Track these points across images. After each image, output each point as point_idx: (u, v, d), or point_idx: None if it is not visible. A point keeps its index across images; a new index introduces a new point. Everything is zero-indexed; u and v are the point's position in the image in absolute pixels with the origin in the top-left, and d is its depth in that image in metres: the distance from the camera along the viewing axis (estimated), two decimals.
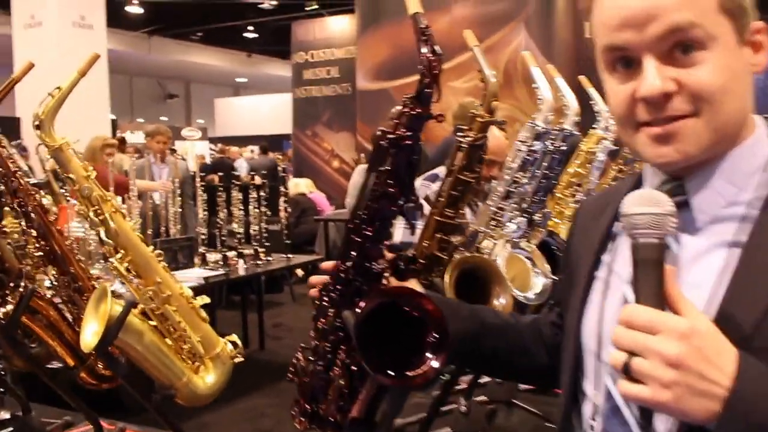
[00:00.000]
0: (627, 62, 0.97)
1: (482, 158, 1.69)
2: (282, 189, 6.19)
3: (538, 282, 2.21)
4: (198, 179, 5.30)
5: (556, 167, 2.45)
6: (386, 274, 1.20)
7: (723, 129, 0.95)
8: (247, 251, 5.20)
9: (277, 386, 5.06)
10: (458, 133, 6.29)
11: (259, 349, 6.14)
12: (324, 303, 1.24)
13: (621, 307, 0.93)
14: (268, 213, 5.61)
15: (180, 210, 5.17)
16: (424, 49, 1.09)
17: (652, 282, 0.84)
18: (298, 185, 9.09)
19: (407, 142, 1.10)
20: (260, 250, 5.29)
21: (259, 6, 16.72)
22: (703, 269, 0.96)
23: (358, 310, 1.04)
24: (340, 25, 10.63)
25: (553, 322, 1.31)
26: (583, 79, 3.03)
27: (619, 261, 1.07)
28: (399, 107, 1.11)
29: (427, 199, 3.24)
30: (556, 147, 2.43)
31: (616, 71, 0.99)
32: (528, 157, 2.34)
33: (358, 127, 9.31)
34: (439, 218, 1.73)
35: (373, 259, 1.17)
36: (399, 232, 3.21)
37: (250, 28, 19.68)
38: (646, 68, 0.94)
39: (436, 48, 1.08)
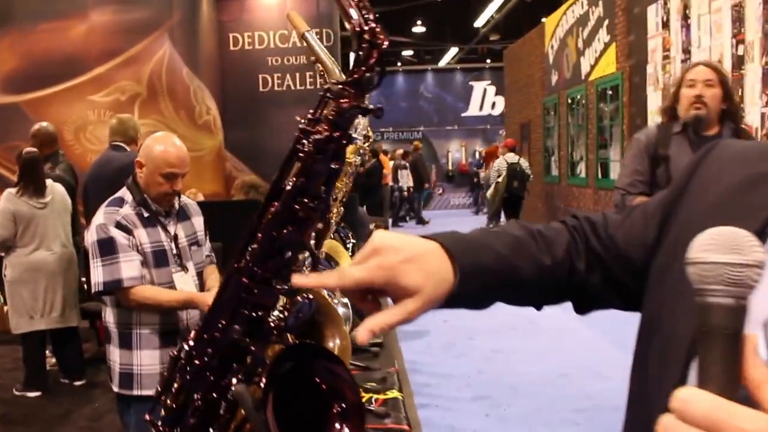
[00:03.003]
0: None
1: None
2: None
3: (339, 311, 2.06)
4: None
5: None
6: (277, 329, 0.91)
7: None
8: None
9: None
10: (114, 148, 5.72)
11: None
12: (179, 373, 0.91)
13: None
14: None
15: None
16: (354, 14, 0.80)
17: (723, 358, 0.59)
18: None
19: (336, 145, 0.81)
20: None
21: None
22: None
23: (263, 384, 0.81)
24: None
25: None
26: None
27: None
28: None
29: (119, 225, 2.86)
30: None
31: None
32: None
33: None
34: None
35: (265, 310, 0.87)
36: (101, 271, 2.80)
37: None
38: None
39: (370, 10, 0.79)
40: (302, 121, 0.81)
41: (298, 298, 0.90)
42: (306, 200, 0.81)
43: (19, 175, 5.20)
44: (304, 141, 0.79)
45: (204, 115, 8.38)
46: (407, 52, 24.24)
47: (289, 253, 0.84)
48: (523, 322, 7.51)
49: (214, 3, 8.68)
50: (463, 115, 25.57)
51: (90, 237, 2.87)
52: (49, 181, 5.30)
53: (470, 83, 25.73)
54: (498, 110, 24.26)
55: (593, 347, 6.57)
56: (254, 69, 8.73)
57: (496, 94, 24.53)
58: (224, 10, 8.75)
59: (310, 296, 0.96)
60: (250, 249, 0.85)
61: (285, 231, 0.82)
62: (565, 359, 6.21)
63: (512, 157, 13.01)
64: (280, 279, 0.85)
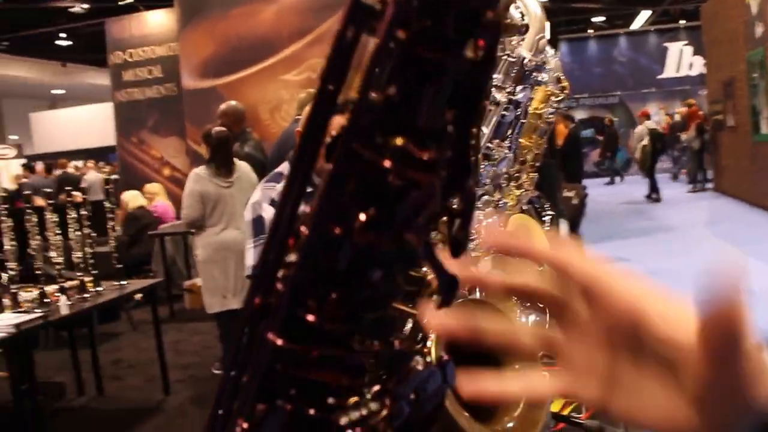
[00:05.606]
0: None
1: None
2: (108, 204, 5.36)
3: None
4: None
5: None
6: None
7: None
8: (71, 283, 4.38)
9: None
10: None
11: (97, 395, 5.27)
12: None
13: None
14: (93, 234, 4.86)
15: None
16: None
17: None
18: (136, 198, 8.20)
19: (479, 19, 0.34)
20: (87, 279, 4.50)
21: (70, 10, 15.52)
22: None
23: None
24: (158, 20, 9.83)
25: None
26: None
27: None
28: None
29: (274, 203, 2.66)
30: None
31: None
32: (506, 113, 1.59)
33: (187, 131, 8.57)
34: None
35: (339, 397, 0.41)
36: (251, 253, 2.64)
37: (63, 35, 18.34)
38: None
39: None
40: None
41: (416, 362, 0.42)
42: (412, 144, 0.34)
43: (211, 154, 5.22)
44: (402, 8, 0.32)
45: None
46: (598, 18, 23.12)
47: (380, 272, 0.38)
48: None
49: None
50: (658, 77, 23.95)
51: (246, 216, 2.65)
52: (234, 159, 5.31)
53: (664, 44, 24.05)
54: (696, 71, 22.52)
55: None
56: None
57: (694, 54, 22.80)
58: None
59: (443, 356, 0.44)
60: (285, 267, 0.40)
61: (365, 218, 0.36)
62: None
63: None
64: (367, 332, 0.39)
